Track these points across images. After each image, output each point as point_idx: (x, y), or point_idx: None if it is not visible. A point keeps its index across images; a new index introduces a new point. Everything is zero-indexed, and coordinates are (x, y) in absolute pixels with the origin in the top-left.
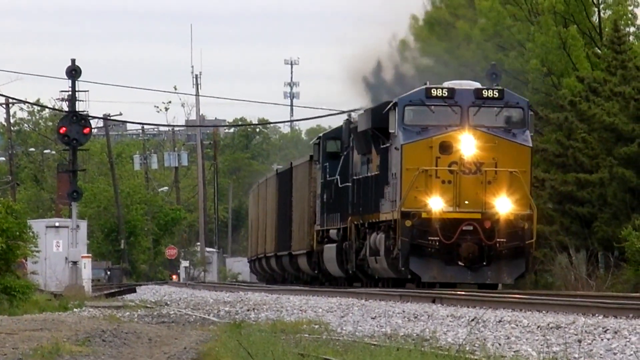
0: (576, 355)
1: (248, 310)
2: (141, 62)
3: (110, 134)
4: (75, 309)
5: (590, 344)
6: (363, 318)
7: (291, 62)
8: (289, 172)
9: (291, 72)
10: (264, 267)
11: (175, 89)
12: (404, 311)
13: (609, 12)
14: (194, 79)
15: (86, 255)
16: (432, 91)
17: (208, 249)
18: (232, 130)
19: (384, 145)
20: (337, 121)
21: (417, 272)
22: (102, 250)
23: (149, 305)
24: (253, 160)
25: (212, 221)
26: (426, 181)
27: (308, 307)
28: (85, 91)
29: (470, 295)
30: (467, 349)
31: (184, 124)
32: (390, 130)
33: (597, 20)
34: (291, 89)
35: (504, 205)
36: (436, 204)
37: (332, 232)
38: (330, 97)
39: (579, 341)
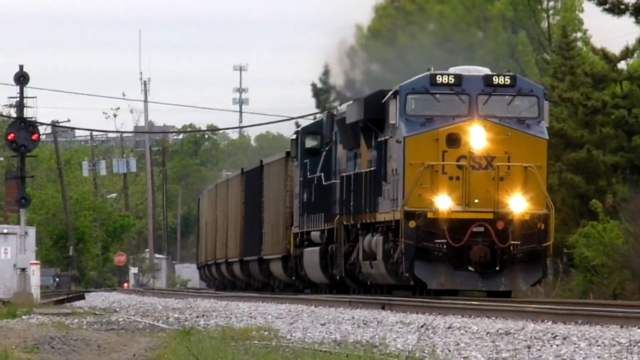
0: None
1: (197, 316)
2: (90, 69)
3: (59, 141)
4: (23, 316)
5: (539, 349)
6: (312, 324)
7: (240, 68)
8: (259, 171)
9: (240, 78)
10: (223, 273)
11: (124, 95)
12: (353, 317)
13: (557, 18)
14: (143, 85)
15: (35, 262)
16: (437, 78)
17: (157, 256)
18: (181, 136)
19: (381, 138)
20: (287, 127)
21: (423, 279)
22: (51, 257)
23: (97, 312)
24: (202, 167)
25: (161, 227)
26: (432, 177)
27: (257, 313)
28: (33, 97)
29: (419, 302)
30: (417, 355)
31: (132, 130)
32: (391, 122)
33: (546, 26)
34: (240, 95)
35: (518, 203)
36: (443, 202)
37: (315, 235)
38: (280, 104)
39: (528, 347)
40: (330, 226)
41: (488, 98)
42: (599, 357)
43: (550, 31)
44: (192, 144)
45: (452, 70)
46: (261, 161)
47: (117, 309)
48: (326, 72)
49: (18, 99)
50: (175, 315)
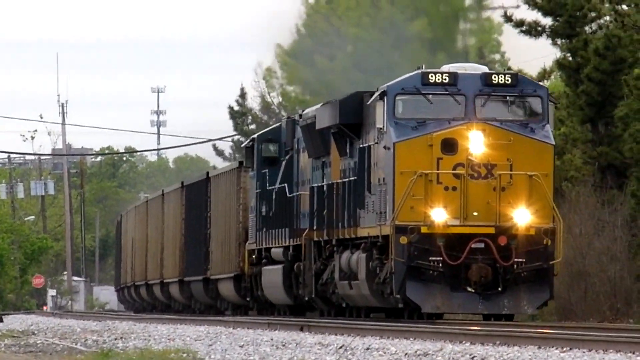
0: None
1: (116, 339)
2: (6, 91)
3: None
4: None
5: None
6: (231, 346)
7: (158, 90)
8: (205, 184)
9: (158, 101)
10: (153, 295)
11: (41, 117)
12: (272, 339)
13: (474, 39)
14: (60, 108)
15: None
16: (430, 77)
17: (75, 278)
18: (98, 158)
19: (363, 145)
20: (204, 149)
21: (416, 301)
22: None
23: (15, 335)
24: (120, 189)
25: (79, 250)
26: (426, 188)
27: (176, 335)
28: None
29: (338, 323)
30: None
31: (50, 152)
32: (377, 126)
33: (464, 47)
34: (158, 117)
35: (522, 217)
36: (439, 215)
37: (276, 252)
38: (197, 126)
39: None
40: (296, 242)
41: (487, 99)
42: None
43: (468, 52)
44: (110, 166)
45: (446, 68)
46: (207, 173)
47: (35, 332)
48: (242, 95)
49: None
50: (94, 338)
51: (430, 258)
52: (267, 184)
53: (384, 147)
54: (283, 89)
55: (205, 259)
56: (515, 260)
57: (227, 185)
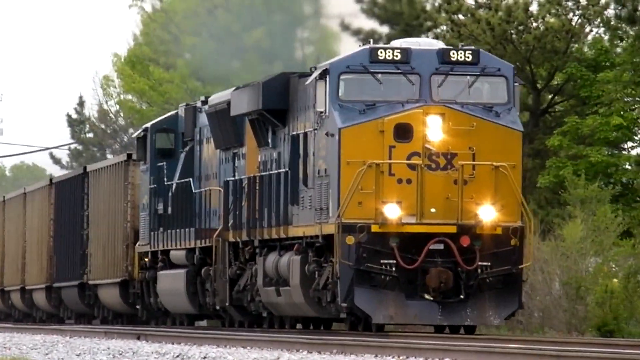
0: None
1: None
2: None
3: None
4: None
5: None
6: (68, 355)
7: None
8: (81, 179)
9: None
10: (9, 302)
11: None
12: (109, 348)
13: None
14: None
15: None
16: (380, 53)
17: None
18: None
19: (297, 132)
20: (41, 158)
21: (366, 310)
22: None
23: None
24: None
25: None
26: (376, 180)
27: (12, 344)
28: None
29: (175, 332)
30: None
31: None
32: (318, 109)
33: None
34: None
35: (487, 214)
36: (392, 212)
37: (177, 254)
38: (35, 134)
39: None
40: (204, 244)
41: (445, 78)
42: None
43: (306, 62)
44: None
45: (397, 43)
46: (85, 167)
47: None
48: (81, 103)
49: None
50: None
51: (382, 261)
52: (166, 179)
53: (326, 134)
54: (120, 97)
55: (81, 262)
56: (480, 264)
57: (111, 181)
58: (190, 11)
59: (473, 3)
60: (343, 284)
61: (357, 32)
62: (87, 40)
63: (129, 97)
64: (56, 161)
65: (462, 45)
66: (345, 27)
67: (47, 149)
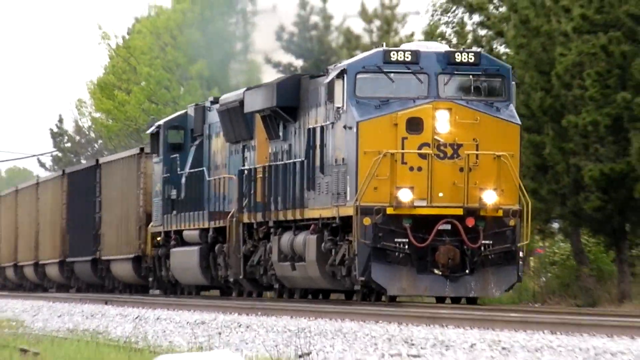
0: (217, 344)
1: None
2: None
3: None
4: None
5: (228, 335)
6: (51, 316)
7: None
8: (93, 170)
9: None
10: (23, 275)
11: None
12: (83, 311)
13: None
14: None
15: None
16: (392, 54)
17: None
18: None
19: (313, 126)
20: (31, 163)
21: (382, 284)
22: None
23: None
24: None
25: None
26: (391, 168)
27: (7, 308)
28: None
29: (135, 299)
30: (133, 340)
31: None
32: (337, 105)
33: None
34: None
35: (490, 198)
36: (405, 196)
37: (191, 234)
38: (24, 142)
39: (219, 333)
40: (218, 225)
41: (450, 77)
42: (274, 340)
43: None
44: None
45: (406, 46)
46: (97, 160)
47: None
48: (60, 120)
49: None
50: None
51: (396, 239)
52: (179, 169)
53: (344, 127)
54: (92, 115)
55: (94, 241)
56: (483, 242)
57: (124, 171)
58: (146, 47)
59: (369, 42)
60: (361, 260)
61: (277, 65)
62: (65, 67)
63: (98, 115)
64: (41, 165)
65: (464, 48)
66: (268, 60)
67: (34, 155)
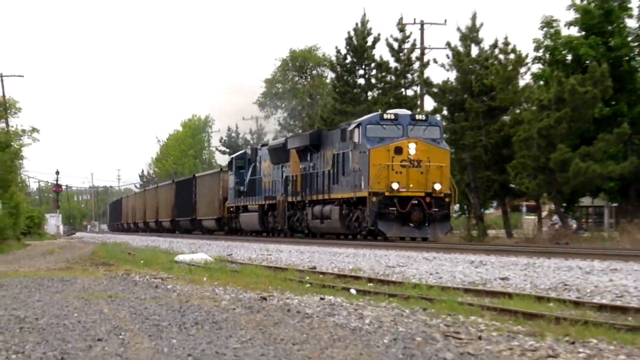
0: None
1: (106, 240)
2: None
3: None
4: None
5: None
6: (169, 244)
7: None
8: (192, 181)
9: None
10: (149, 227)
11: None
12: (163, 239)
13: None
14: None
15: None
16: (385, 115)
17: (95, 222)
18: None
19: (337, 152)
20: (130, 185)
21: (383, 230)
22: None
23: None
24: None
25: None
26: (387, 172)
27: (150, 241)
28: None
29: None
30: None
31: None
32: (354, 140)
33: None
34: None
35: (437, 187)
36: (395, 186)
37: (252, 206)
38: (123, 175)
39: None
40: (271, 202)
41: (413, 127)
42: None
43: None
44: None
45: (391, 111)
46: (194, 175)
47: (84, 239)
48: (142, 171)
49: None
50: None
51: (390, 208)
52: (244, 177)
53: (361, 152)
54: (154, 169)
55: (192, 208)
56: (434, 209)
57: (211, 181)
58: (178, 140)
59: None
60: (371, 219)
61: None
62: (140, 147)
63: (157, 169)
64: (136, 186)
65: (420, 112)
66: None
67: (133, 183)
